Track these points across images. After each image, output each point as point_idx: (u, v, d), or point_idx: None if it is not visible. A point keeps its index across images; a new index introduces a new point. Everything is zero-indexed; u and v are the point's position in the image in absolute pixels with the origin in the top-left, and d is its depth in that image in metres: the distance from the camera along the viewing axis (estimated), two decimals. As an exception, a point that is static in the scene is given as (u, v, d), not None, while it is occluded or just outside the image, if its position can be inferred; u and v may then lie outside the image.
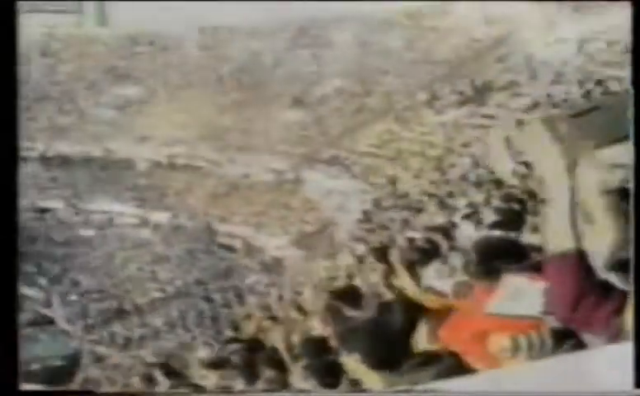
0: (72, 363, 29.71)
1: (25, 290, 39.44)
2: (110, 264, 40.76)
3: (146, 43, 52.46)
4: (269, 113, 45.90)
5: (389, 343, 3.77)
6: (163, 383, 10.40)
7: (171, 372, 10.92)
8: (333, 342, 4.36)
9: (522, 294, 3.62)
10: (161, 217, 44.04)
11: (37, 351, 32.08)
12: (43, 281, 39.80)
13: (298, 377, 4.05)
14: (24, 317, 36.63)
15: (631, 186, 3.02)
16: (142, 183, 45.75)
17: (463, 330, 3.90)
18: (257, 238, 39.84)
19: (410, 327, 4.08)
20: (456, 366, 3.48)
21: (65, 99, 50.47)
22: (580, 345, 3.26)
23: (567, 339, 3.34)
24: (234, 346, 8.94)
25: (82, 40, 53.01)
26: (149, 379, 14.30)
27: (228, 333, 17.16)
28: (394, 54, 45.74)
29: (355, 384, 3.87)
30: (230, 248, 40.53)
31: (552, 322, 3.40)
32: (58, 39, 53.05)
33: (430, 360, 3.57)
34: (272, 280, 33.15)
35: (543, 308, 3.45)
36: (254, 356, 5.52)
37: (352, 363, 3.95)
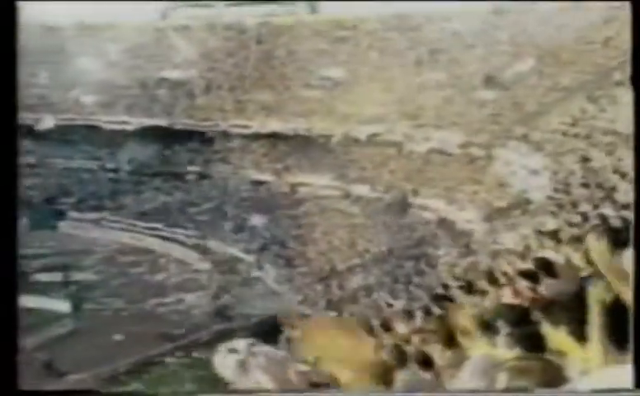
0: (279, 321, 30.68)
1: (239, 254, 41.35)
2: (314, 232, 41.77)
3: (350, 27, 53.05)
4: (463, 92, 45.14)
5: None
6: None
7: (371, 333, 10.94)
8: (534, 313, 4.16)
9: None
10: (360, 190, 44.57)
11: (248, 309, 33.50)
12: (255, 247, 41.44)
13: (502, 345, 3.89)
14: (238, 278, 38.40)
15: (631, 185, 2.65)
16: (343, 158, 46.46)
17: None
18: (449, 211, 39.43)
19: (612, 302, 3.81)
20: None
21: (277, 81, 52.07)
22: None
23: None
24: (429, 311, 8.83)
25: (293, 27, 54.44)
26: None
27: (423, 299, 17.10)
28: (588, 34, 43.49)
29: (560, 355, 3.68)
30: (423, 220, 40.40)
31: None
32: (273, 26, 54.78)
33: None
34: (463, 252, 32.69)
35: None
36: (449, 323, 5.39)
37: (554, 334, 3.76)
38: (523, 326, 4.03)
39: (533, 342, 3.86)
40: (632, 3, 4.39)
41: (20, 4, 4.61)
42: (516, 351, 3.84)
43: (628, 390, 3.22)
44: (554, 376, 2.15)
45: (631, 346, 3.19)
